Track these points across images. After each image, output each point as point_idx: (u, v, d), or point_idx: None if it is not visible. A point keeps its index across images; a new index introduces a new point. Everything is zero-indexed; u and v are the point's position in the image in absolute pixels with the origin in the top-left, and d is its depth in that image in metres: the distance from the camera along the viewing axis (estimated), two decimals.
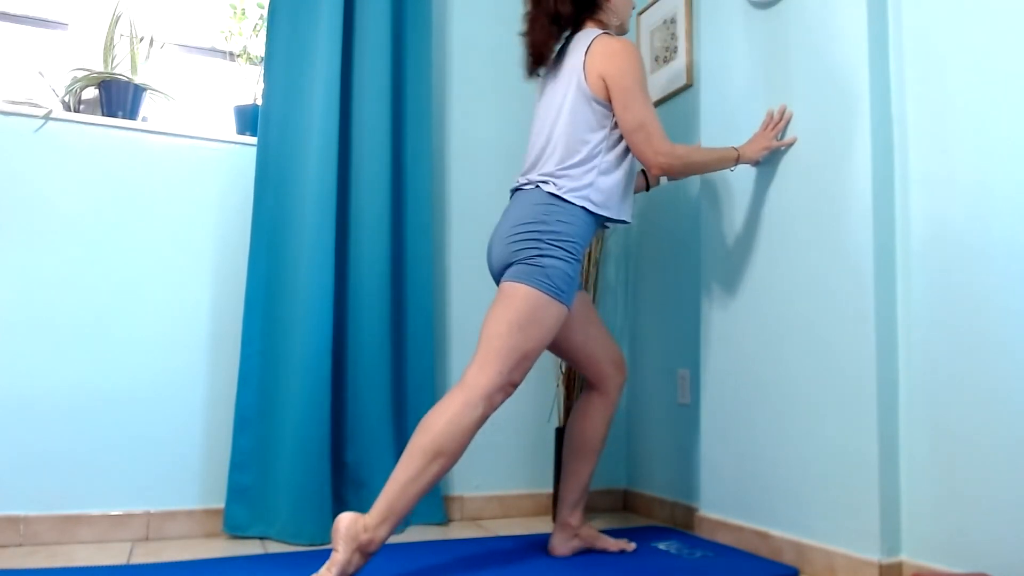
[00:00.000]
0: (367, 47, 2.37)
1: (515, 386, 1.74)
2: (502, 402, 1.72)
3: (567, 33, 1.93)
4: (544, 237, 1.74)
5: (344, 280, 2.33)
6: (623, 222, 1.87)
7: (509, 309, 1.72)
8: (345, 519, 1.55)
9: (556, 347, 1.98)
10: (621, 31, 1.98)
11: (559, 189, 1.78)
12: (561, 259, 1.74)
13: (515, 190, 1.89)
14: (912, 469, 1.69)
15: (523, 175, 1.88)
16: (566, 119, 1.82)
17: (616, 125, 1.83)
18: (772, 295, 2.01)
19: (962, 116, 1.64)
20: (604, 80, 1.80)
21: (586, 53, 1.82)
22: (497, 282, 1.83)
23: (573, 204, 1.77)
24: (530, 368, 1.76)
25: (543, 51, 1.89)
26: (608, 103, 1.81)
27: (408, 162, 2.45)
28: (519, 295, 1.72)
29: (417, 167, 2.46)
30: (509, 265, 1.77)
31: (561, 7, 1.87)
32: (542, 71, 1.94)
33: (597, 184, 1.80)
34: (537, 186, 1.81)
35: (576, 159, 1.80)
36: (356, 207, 2.34)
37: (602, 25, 1.92)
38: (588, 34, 1.86)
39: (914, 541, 1.68)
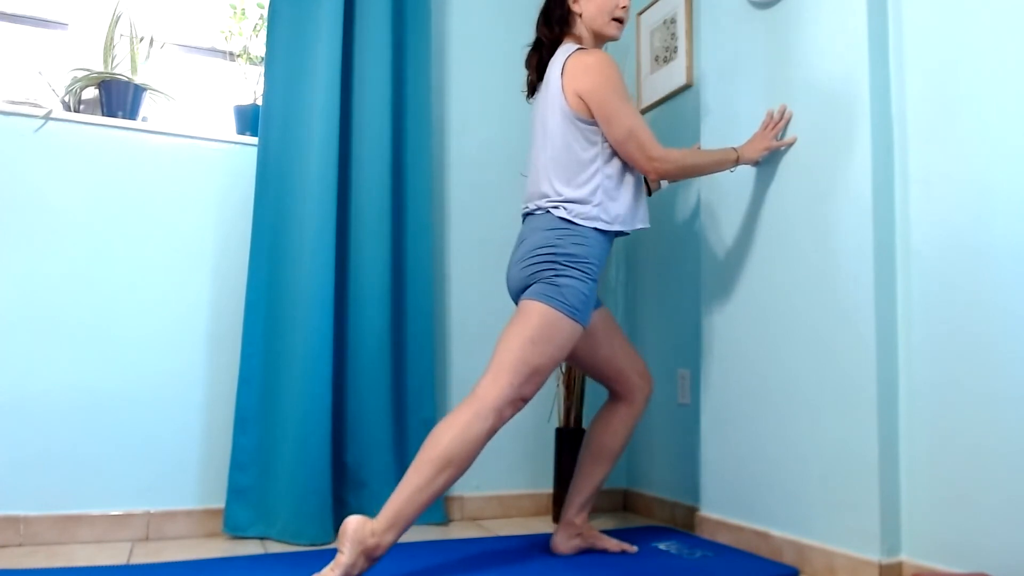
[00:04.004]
0: (367, 47, 2.37)
1: (526, 401, 1.75)
2: (512, 415, 1.74)
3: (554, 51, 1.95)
4: (560, 259, 1.76)
5: (344, 280, 2.33)
6: (640, 229, 1.90)
7: (524, 325, 1.74)
8: (353, 522, 1.55)
9: (582, 363, 2.01)
10: (601, 39, 1.94)
11: (569, 213, 1.80)
12: (577, 279, 1.76)
13: (526, 215, 1.91)
14: (912, 469, 1.69)
15: (531, 200, 1.90)
16: (559, 142, 1.84)
17: (607, 138, 1.84)
18: (772, 295, 2.01)
19: (962, 116, 1.64)
20: (582, 98, 1.81)
21: (562, 73, 1.84)
22: (516, 304, 1.85)
23: (584, 226, 1.79)
24: (542, 384, 1.78)
25: (531, 71, 2.00)
26: (592, 119, 1.83)
27: (408, 162, 2.45)
28: (534, 312, 1.75)
29: (417, 167, 2.46)
30: (526, 287, 1.80)
31: (541, 33, 1.96)
32: (538, 88, 1.98)
33: (605, 204, 1.82)
34: (547, 211, 1.83)
35: (579, 179, 1.81)
36: (356, 207, 2.34)
37: (577, 39, 1.92)
38: (564, 51, 1.88)
39: (914, 541, 1.68)
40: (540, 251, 1.79)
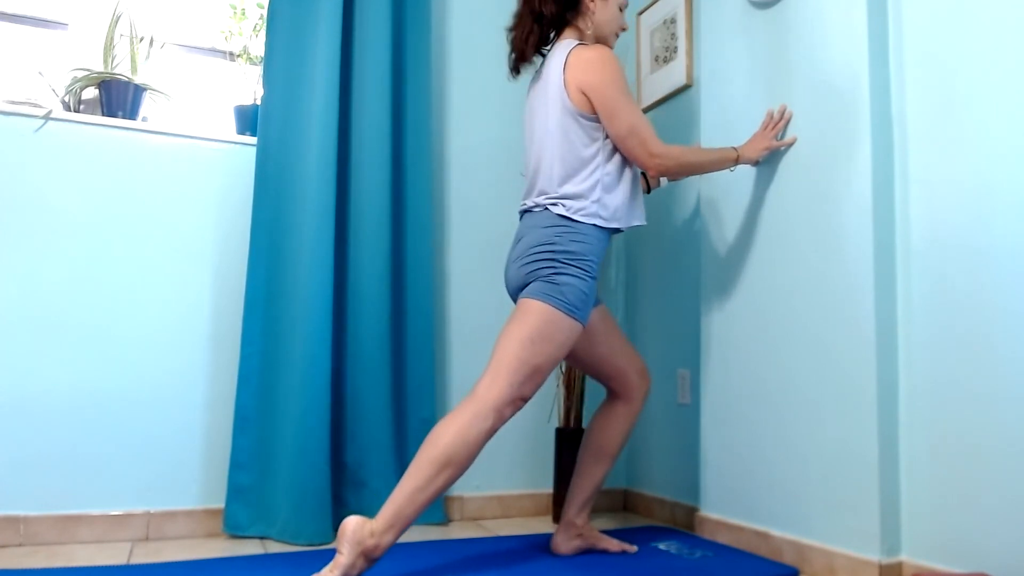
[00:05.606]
0: (367, 47, 2.37)
1: (525, 400, 1.75)
2: (511, 415, 1.74)
3: (551, 35, 1.93)
4: (559, 256, 1.76)
5: (344, 280, 2.33)
6: (636, 226, 1.90)
7: (523, 325, 1.74)
8: (352, 522, 1.55)
9: (580, 361, 2.00)
10: (602, 42, 1.94)
11: (568, 210, 1.79)
12: (577, 277, 1.76)
13: (523, 212, 1.90)
14: (912, 469, 1.69)
15: (528, 197, 1.90)
16: (558, 138, 1.83)
17: (608, 135, 1.83)
18: (772, 295, 2.01)
19: (962, 116, 1.64)
20: (585, 93, 1.81)
21: (564, 68, 1.82)
22: (515, 302, 1.85)
23: (584, 223, 1.79)
24: (542, 383, 1.77)
25: (524, 48, 1.91)
26: (594, 115, 1.82)
27: (408, 162, 2.45)
28: (533, 311, 1.74)
29: (417, 167, 2.46)
30: (525, 285, 1.80)
31: (544, 7, 1.88)
32: (524, 68, 1.94)
33: (604, 200, 1.81)
34: (546, 208, 1.82)
35: (578, 176, 1.81)
36: (356, 207, 2.34)
37: (580, 33, 1.91)
38: (565, 45, 1.86)
39: (914, 541, 1.68)
40: (539, 249, 1.78)
